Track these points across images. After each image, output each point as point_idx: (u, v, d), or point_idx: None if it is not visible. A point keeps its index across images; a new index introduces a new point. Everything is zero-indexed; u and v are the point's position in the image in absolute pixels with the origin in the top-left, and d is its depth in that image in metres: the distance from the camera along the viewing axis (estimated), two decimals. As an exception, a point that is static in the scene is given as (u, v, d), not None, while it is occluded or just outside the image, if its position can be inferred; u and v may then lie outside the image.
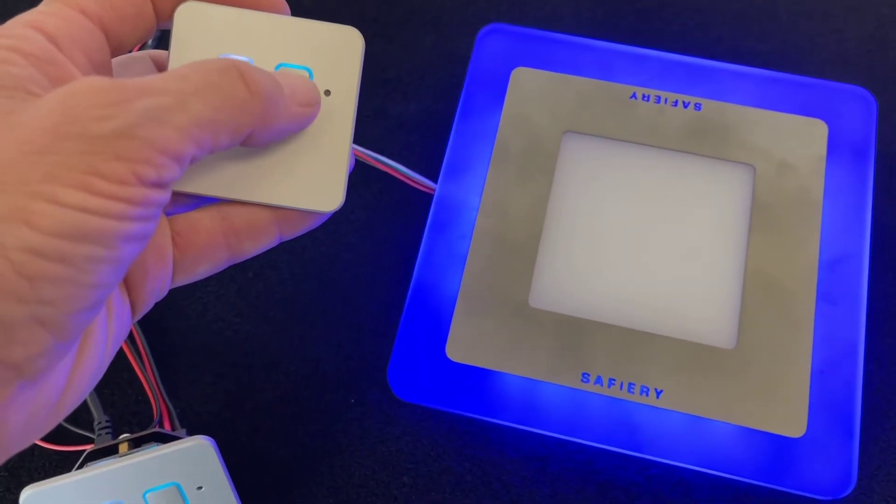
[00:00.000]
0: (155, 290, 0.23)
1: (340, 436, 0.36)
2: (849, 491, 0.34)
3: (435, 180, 0.40)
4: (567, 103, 0.40)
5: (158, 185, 0.18)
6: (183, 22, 0.26)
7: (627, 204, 0.39)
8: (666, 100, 0.40)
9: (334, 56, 0.27)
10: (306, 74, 0.26)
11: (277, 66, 0.27)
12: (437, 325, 0.37)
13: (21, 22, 0.20)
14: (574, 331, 0.36)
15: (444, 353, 0.36)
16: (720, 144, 0.39)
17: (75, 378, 0.19)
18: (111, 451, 0.32)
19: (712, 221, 0.38)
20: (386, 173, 0.41)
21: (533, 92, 0.40)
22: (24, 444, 0.19)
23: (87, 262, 0.17)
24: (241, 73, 0.20)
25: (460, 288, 0.37)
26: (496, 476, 0.36)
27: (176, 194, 0.24)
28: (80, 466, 0.31)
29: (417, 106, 0.44)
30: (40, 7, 0.21)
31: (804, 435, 0.34)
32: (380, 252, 0.40)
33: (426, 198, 0.39)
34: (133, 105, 0.18)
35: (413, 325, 0.37)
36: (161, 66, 0.26)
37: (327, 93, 0.27)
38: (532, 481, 0.36)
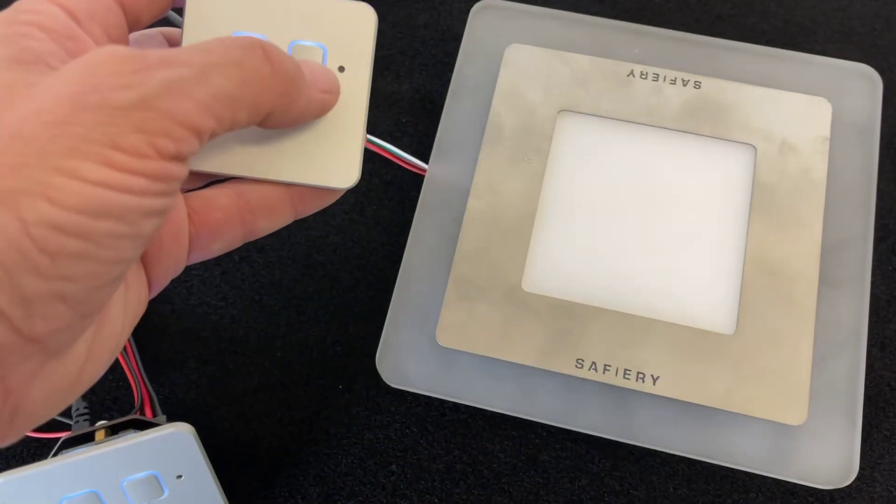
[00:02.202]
0: (171, 266, 0.23)
1: (327, 423, 0.35)
2: (850, 480, 0.33)
3: (427, 161, 0.38)
4: (562, 81, 0.39)
5: (177, 158, 0.18)
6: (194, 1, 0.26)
7: (624, 185, 0.37)
8: (664, 78, 0.39)
9: (348, 32, 0.27)
10: (320, 56, 0.26)
11: (291, 44, 0.27)
12: (427, 309, 0.36)
13: None
14: (569, 315, 0.35)
15: (434, 339, 0.35)
16: (720, 124, 0.38)
17: (94, 352, 0.19)
18: (87, 438, 0.31)
19: (711, 203, 0.37)
20: (376, 154, 0.40)
21: (527, 70, 0.39)
22: (45, 418, 0.19)
23: (107, 237, 0.17)
24: (265, 50, 0.20)
25: (451, 271, 0.36)
26: (487, 465, 0.35)
27: (192, 172, 0.24)
28: (56, 454, 0.30)
29: (410, 85, 0.43)
30: None
31: (805, 423, 0.33)
32: (369, 235, 0.39)
33: (417, 179, 0.38)
34: (153, 75, 0.17)
35: (402, 309, 0.36)
36: (174, 44, 0.26)
37: (341, 69, 0.27)
38: (524, 470, 0.35)
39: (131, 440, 0.28)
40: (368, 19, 0.27)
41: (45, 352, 0.17)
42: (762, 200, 0.36)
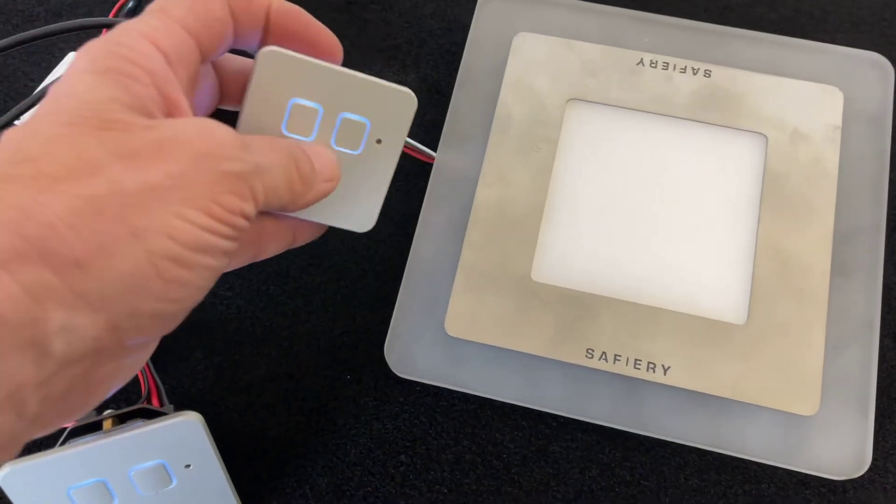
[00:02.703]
0: None
1: (335, 413, 0.35)
2: (863, 471, 0.33)
3: (435, 151, 0.38)
4: (571, 70, 0.39)
5: (248, 217, 0.22)
6: (264, 65, 0.29)
7: (634, 174, 0.37)
8: (674, 66, 0.38)
9: (390, 112, 0.31)
10: (364, 129, 0.31)
11: (340, 115, 0.31)
12: (436, 299, 0.36)
13: (137, 33, 0.22)
14: (578, 305, 0.35)
15: (443, 329, 0.35)
16: (730, 113, 0.37)
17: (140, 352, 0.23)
18: (95, 427, 0.30)
19: (722, 192, 0.37)
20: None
21: (536, 58, 0.39)
22: (98, 402, 0.22)
23: (203, 269, 0.21)
24: (298, 163, 0.25)
25: (459, 261, 0.36)
26: (496, 455, 0.34)
27: None
28: (63, 443, 0.29)
29: (416, 75, 0.43)
30: (149, 19, 0.23)
31: (817, 413, 0.33)
32: (376, 225, 0.39)
33: (425, 169, 0.38)
34: (251, 158, 0.22)
35: (410, 299, 0.36)
36: (221, 72, 0.28)
37: (378, 141, 0.31)
38: (534, 461, 0.34)
39: (139, 429, 0.28)
40: (410, 104, 0.31)
41: (130, 356, 0.21)
42: (773, 189, 0.36)
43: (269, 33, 0.27)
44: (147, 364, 0.35)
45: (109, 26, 0.37)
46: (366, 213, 0.33)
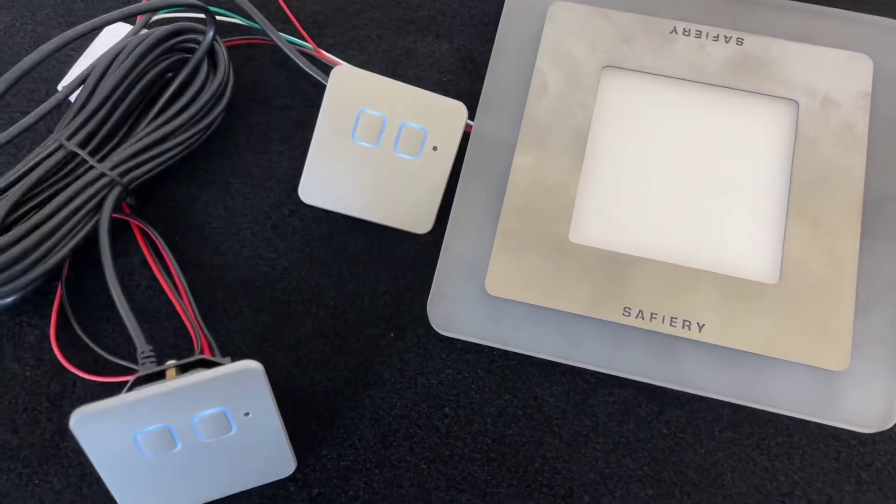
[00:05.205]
0: None
1: (381, 368, 0.36)
2: (891, 424, 0.34)
3: (472, 119, 0.39)
4: (606, 38, 0.39)
5: None
6: (336, 80, 0.36)
7: (668, 140, 0.38)
8: (707, 34, 0.39)
9: (444, 121, 0.37)
10: (423, 136, 0.37)
11: (402, 125, 0.37)
12: (476, 260, 0.37)
13: None
14: (615, 266, 0.36)
15: (483, 288, 0.36)
16: (762, 80, 0.38)
17: None
18: (158, 377, 0.31)
19: (754, 157, 0.38)
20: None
21: (571, 27, 0.40)
22: None
23: None
24: None
25: (499, 223, 0.37)
26: (537, 408, 0.36)
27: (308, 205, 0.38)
28: (129, 391, 0.31)
29: (450, 45, 0.43)
30: None
31: (848, 368, 0.34)
32: (417, 189, 0.40)
33: (464, 136, 0.38)
34: None
35: (451, 260, 0.37)
36: None
37: (434, 148, 0.37)
38: (573, 414, 0.35)
39: (204, 376, 0.29)
40: (461, 114, 0.37)
41: None
42: (804, 154, 0.37)
43: None
44: (198, 320, 0.36)
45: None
46: (424, 214, 0.37)
